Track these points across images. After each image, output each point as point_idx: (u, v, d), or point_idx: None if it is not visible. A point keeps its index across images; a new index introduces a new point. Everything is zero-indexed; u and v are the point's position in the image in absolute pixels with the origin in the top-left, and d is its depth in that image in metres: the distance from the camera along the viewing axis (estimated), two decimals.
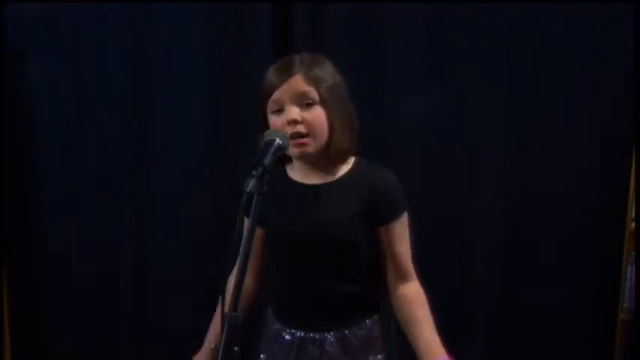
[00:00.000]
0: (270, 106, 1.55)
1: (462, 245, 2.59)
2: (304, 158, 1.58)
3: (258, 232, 1.60)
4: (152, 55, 2.61)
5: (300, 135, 1.52)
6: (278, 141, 1.44)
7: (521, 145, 2.52)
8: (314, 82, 1.53)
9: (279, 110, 1.54)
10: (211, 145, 2.62)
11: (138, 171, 2.68)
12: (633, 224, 2.47)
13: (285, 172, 1.64)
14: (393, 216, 1.60)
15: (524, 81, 2.48)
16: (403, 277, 1.63)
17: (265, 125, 1.58)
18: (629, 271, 2.48)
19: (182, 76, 2.59)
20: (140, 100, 2.64)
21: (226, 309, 1.31)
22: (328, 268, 1.58)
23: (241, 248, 1.35)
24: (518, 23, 2.45)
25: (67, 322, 2.79)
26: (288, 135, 1.49)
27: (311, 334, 1.61)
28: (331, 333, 1.61)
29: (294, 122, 1.51)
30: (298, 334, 1.62)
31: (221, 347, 1.28)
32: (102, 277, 2.75)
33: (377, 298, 1.67)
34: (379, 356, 1.65)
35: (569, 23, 2.42)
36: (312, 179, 1.61)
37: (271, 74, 1.55)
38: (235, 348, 1.30)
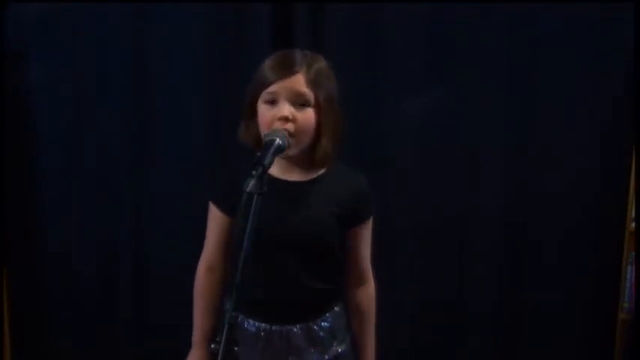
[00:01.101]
0: (264, 96, 1.54)
1: (462, 245, 2.59)
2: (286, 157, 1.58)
3: (229, 223, 1.62)
4: (152, 55, 2.61)
5: (288, 134, 1.52)
6: (278, 141, 1.45)
7: (521, 145, 2.52)
8: (313, 85, 1.53)
9: (272, 102, 1.53)
10: (211, 145, 2.62)
11: (138, 171, 2.68)
12: (633, 224, 2.47)
13: None
14: (365, 218, 1.67)
15: (524, 81, 2.48)
16: (361, 279, 1.72)
17: (251, 113, 1.58)
18: (629, 271, 2.49)
19: (182, 76, 2.59)
20: (140, 100, 2.64)
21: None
22: (301, 265, 1.59)
23: (242, 250, 1.35)
24: (518, 23, 2.45)
25: (67, 322, 2.79)
26: (275, 128, 1.50)
27: (276, 327, 1.63)
28: (297, 326, 1.63)
29: (285, 119, 1.51)
30: (263, 326, 1.64)
31: (221, 347, 1.28)
32: (102, 277, 2.75)
33: (340, 292, 1.72)
34: (342, 346, 1.70)
35: (569, 23, 2.42)
36: (291, 176, 1.61)
37: (271, 66, 1.55)
38: (235, 348, 1.30)
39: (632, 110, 2.36)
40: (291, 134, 1.51)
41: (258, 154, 1.41)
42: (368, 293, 1.73)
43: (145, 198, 2.70)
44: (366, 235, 1.68)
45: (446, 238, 2.58)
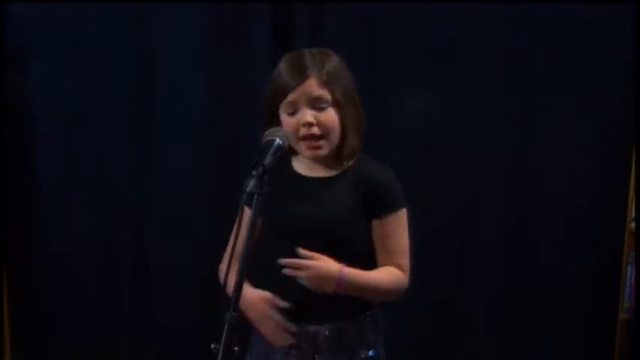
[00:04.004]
0: (285, 107, 1.57)
1: (462, 245, 2.59)
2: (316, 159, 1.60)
3: (258, 222, 1.58)
4: (152, 55, 2.61)
5: (314, 137, 1.55)
6: (278, 141, 1.46)
7: (522, 145, 2.52)
8: (328, 84, 1.55)
9: (293, 112, 1.56)
10: (211, 145, 2.62)
11: (138, 171, 2.68)
12: (633, 224, 2.47)
13: (290, 164, 1.66)
14: (388, 209, 1.62)
15: (524, 81, 2.48)
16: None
17: (271, 120, 1.59)
18: (629, 271, 2.49)
19: (182, 76, 2.59)
20: (140, 100, 2.64)
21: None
22: None
23: (243, 246, 1.35)
24: (518, 23, 2.45)
25: (67, 322, 2.79)
26: (300, 136, 1.53)
27: (304, 328, 1.61)
28: (325, 327, 1.61)
29: (309, 125, 1.54)
30: (291, 327, 1.62)
31: (221, 347, 1.28)
32: (102, 277, 2.75)
33: None
34: (370, 352, 1.66)
35: (569, 23, 2.42)
36: (317, 172, 1.63)
37: (285, 74, 1.57)
38: (235, 348, 1.30)
39: (632, 110, 2.36)
40: (319, 137, 1.55)
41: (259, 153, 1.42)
42: (395, 270, 1.61)
43: (145, 198, 2.69)
44: (391, 228, 1.61)
45: (446, 238, 2.58)
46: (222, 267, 1.75)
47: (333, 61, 1.60)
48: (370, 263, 1.64)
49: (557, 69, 2.45)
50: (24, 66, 2.66)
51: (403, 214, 1.63)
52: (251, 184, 1.35)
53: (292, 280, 1.59)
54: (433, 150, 2.54)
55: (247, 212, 1.66)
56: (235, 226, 1.41)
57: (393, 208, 1.62)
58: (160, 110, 2.63)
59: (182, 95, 2.60)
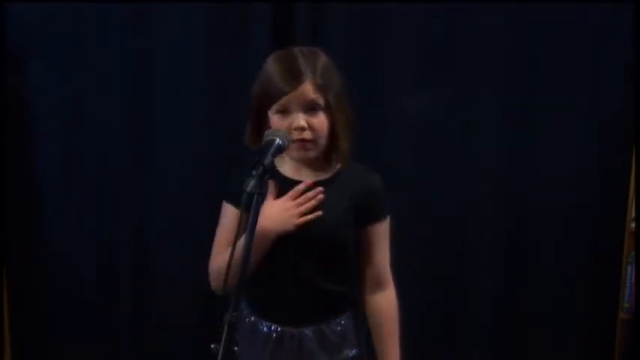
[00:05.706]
0: (276, 108, 1.55)
1: (462, 245, 2.59)
2: (302, 160, 1.59)
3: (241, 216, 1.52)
4: (152, 55, 2.61)
5: (305, 140, 1.54)
6: (278, 141, 1.46)
7: (521, 145, 2.52)
8: (322, 89, 1.54)
9: (283, 111, 1.54)
10: (211, 145, 2.62)
11: (138, 171, 2.68)
12: (633, 224, 2.47)
13: (274, 166, 1.61)
14: (379, 217, 1.64)
15: (524, 81, 2.48)
16: (379, 284, 1.68)
17: (259, 118, 1.59)
18: (629, 271, 2.49)
19: (182, 76, 2.59)
20: (140, 100, 2.64)
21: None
22: (314, 266, 1.59)
23: (243, 248, 1.35)
24: (518, 23, 2.45)
25: (67, 322, 2.79)
26: (293, 138, 1.51)
27: (289, 329, 1.62)
28: (309, 328, 1.62)
29: (302, 129, 1.53)
30: (275, 327, 1.63)
31: (221, 347, 1.28)
32: (102, 277, 2.75)
33: (353, 295, 1.69)
34: (353, 350, 1.68)
35: (569, 23, 2.42)
36: (305, 176, 1.62)
37: (279, 78, 1.53)
38: (235, 348, 1.30)
39: (632, 110, 2.36)
40: (310, 141, 1.54)
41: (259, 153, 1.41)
42: (387, 298, 1.69)
43: (145, 198, 2.70)
44: (380, 236, 1.65)
45: (446, 238, 2.58)
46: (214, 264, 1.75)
47: (325, 63, 1.58)
48: (356, 265, 1.66)
49: (557, 69, 2.45)
50: (24, 66, 2.66)
51: (388, 222, 1.66)
52: (251, 184, 1.34)
53: (277, 282, 1.59)
54: (432, 150, 2.54)
55: (229, 208, 1.65)
56: (233, 229, 1.40)
57: (384, 216, 1.65)
58: (160, 110, 2.63)
59: (182, 95, 2.60)
